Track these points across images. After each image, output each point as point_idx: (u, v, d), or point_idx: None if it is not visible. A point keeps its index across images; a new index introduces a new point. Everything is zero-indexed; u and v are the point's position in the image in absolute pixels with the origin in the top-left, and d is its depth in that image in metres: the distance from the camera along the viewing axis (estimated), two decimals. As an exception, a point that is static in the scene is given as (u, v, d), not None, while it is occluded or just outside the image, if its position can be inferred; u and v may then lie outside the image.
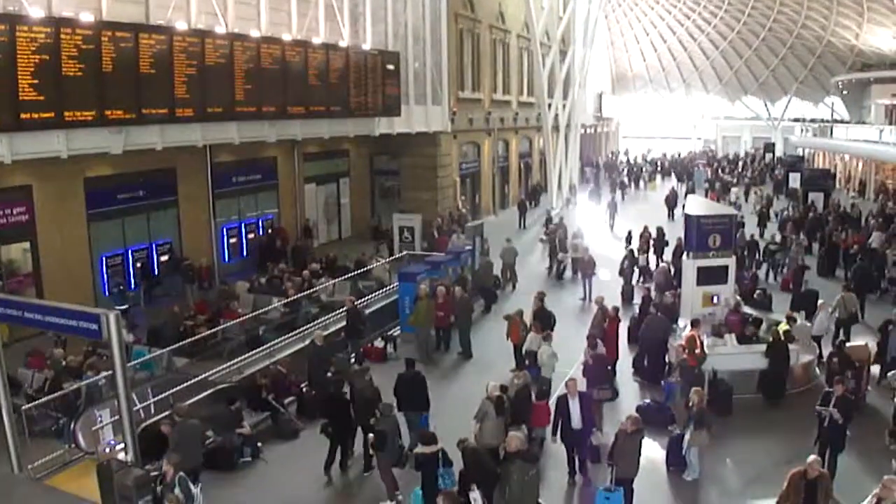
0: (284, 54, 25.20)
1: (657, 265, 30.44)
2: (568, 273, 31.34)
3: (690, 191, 50.43)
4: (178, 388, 16.28)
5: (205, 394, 16.50)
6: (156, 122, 21.21)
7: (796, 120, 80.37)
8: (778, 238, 33.45)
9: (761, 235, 37.66)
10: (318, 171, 36.52)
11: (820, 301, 22.41)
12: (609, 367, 17.81)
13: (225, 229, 30.24)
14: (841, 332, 21.61)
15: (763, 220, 40.49)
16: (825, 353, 20.39)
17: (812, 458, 11.41)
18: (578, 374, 16.92)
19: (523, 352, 19.61)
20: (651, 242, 32.91)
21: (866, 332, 21.98)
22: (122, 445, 12.88)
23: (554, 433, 14.81)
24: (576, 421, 14.39)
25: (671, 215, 42.91)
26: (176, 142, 22.74)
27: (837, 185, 59.57)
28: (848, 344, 18.75)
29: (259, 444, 15.97)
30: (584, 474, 14.83)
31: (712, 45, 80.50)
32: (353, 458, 15.80)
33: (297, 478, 15.06)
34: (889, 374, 16.99)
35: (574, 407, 14.37)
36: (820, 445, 13.92)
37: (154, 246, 26.79)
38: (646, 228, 33.51)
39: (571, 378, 14.66)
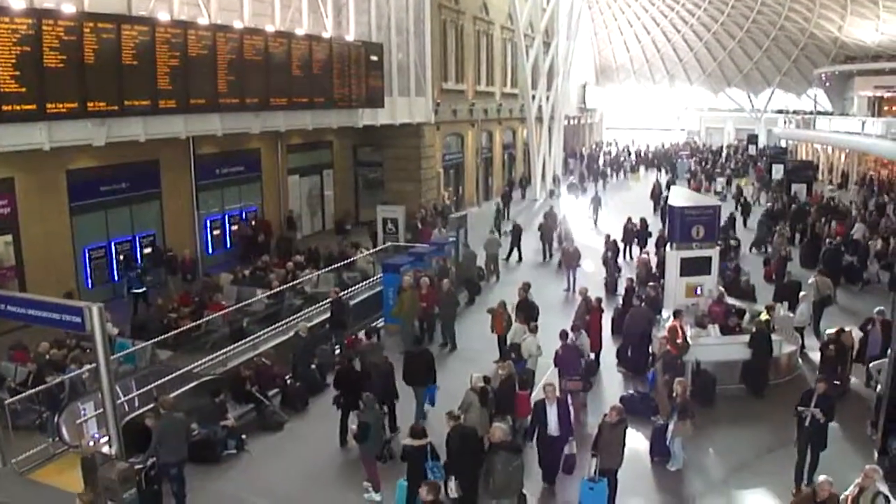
0: (267, 46, 25.11)
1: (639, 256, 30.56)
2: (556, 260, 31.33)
3: (672, 182, 50.44)
4: (162, 380, 16.20)
5: (189, 386, 16.40)
6: (138, 114, 21.10)
7: (779, 112, 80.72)
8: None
9: (745, 225, 37.97)
10: (302, 162, 36.53)
11: (802, 293, 22.56)
12: (582, 358, 17.76)
13: (208, 221, 30.20)
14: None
15: (747, 210, 40.77)
16: (807, 343, 20.63)
17: (822, 478, 11.38)
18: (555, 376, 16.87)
19: (508, 344, 19.61)
20: (635, 234, 33.06)
21: (843, 318, 22.06)
22: (106, 439, 12.89)
23: (529, 438, 14.53)
24: (552, 427, 13.90)
25: (657, 209, 42.93)
26: (159, 134, 22.60)
27: (820, 177, 59.86)
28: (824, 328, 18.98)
29: (243, 437, 15.92)
30: (552, 483, 14.41)
31: (696, 36, 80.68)
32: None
33: (282, 470, 15.06)
34: (871, 364, 17.10)
35: (552, 413, 13.88)
36: (800, 444, 13.96)
37: (137, 238, 26.72)
38: (629, 220, 33.61)
39: (549, 383, 14.31)
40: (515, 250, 33.03)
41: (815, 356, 20.26)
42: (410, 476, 12.45)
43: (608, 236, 30.58)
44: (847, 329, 19.35)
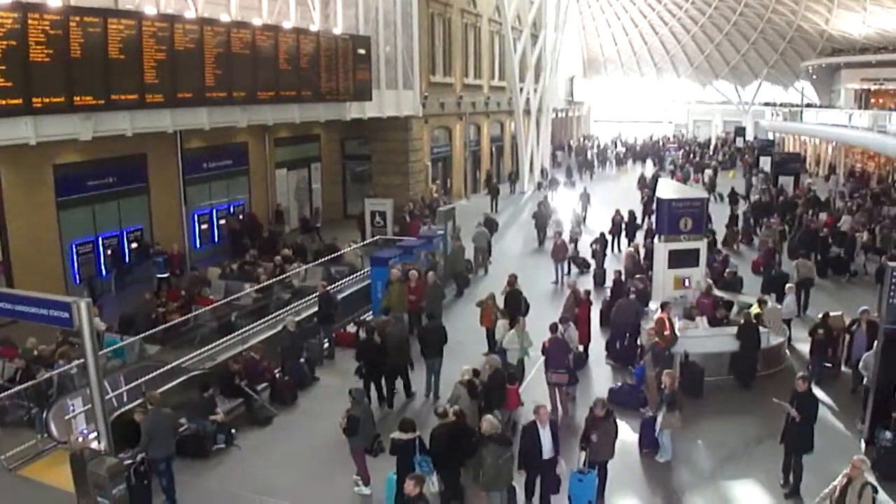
0: (255, 39, 25.04)
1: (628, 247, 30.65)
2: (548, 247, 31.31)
3: (657, 175, 50.38)
4: (151, 375, 16.24)
5: (177, 381, 16.43)
6: (125, 108, 21.02)
7: (767, 104, 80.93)
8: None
9: (732, 214, 38.12)
10: (289, 156, 36.54)
11: (788, 285, 22.66)
12: (569, 351, 17.79)
13: (196, 215, 30.13)
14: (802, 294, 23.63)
15: (734, 199, 40.93)
16: (795, 334, 20.73)
17: None
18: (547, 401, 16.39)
19: (497, 340, 19.62)
20: (623, 226, 33.15)
21: (830, 308, 22.14)
22: (94, 434, 12.84)
23: (520, 466, 13.12)
24: (547, 450, 13.00)
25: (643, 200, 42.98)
26: (146, 128, 22.56)
27: (808, 169, 60.07)
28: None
29: (232, 431, 15.90)
30: None
31: (684, 29, 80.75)
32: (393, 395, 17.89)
33: (272, 464, 15.05)
34: (864, 356, 17.17)
35: (545, 436, 12.99)
36: (785, 445, 14.00)
37: (125, 233, 26.68)
38: (617, 212, 33.69)
39: (542, 405, 13.43)
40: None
41: (802, 347, 20.41)
42: (400, 470, 12.46)
43: (602, 234, 30.75)
44: (833, 313, 19.88)
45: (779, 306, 21.47)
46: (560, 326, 17.59)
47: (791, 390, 14.19)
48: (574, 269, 28.75)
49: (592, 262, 28.62)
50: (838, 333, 19.41)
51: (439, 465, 12.70)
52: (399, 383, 18.14)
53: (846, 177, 56.18)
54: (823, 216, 35.68)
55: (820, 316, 19.93)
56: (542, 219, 35.35)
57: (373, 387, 17.48)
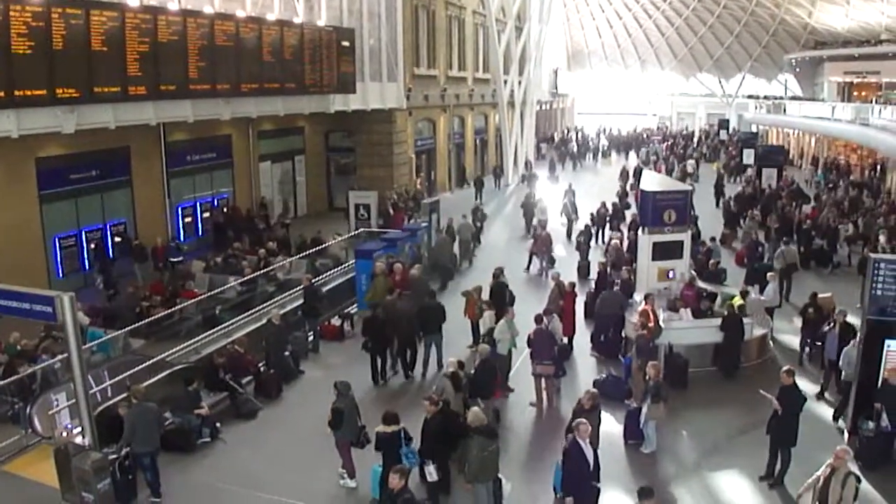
0: (238, 31, 24.93)
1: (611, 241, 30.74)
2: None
3: (640, 168, 50.33)
4: (135, 369, 16.18)
5: (162, 375, 16.38)
6: (108, 101, 20.90)
7: (750, 97, 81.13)
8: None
9: (717, 206, 38.36)
10: (273, 148, 36.45)
11: (770, 273, 22.80)
12: (554, 343, 17.83)
13: (180, 209, 30.00)
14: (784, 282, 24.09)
15: (719, 191, 41.21)
16: (778, 324, 20.87)
17: None
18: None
19: (481, 331, 19.66)
20: (607, 218, 33.27)
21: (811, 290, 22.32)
22: (79, 429, 12.81)
23: (565, 493, 12.28)
24: (593, 467, 12.14)
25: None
26: (129, 120, 22.44)
27: (794, 162, 60.32)
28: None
29: (217, 425, 15.88)
30: None
31: (667, 21, 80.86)
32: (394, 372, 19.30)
33: (257, 457, 15.04)
34: (845, 349, 17.26)
35: (589, 453, 12.09)
36: (770, 437, 14.07)
37: (108, 226, 26.52)
38: (602, 204, 33.80)
39: (582, 421, 12.32)
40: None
41: (784, 338, 20.55)
42: (386, 463, 12.47)
43: (587, 226, 30.91)
44: (827, 294, 21.12)
45: (762, 297, 21.57)
46: (544, 318, 17.64)
47: (776, 383, 14.28)
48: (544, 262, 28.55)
49: (577, 255, 28.60)
50: (828, 313, 19.74)
51: (432, 454, 12.71)
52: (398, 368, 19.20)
53: (825, 168, 56.43)
54: (807, 208, 35.84)
55: (807, 302, 20.61)
56: (529, 208, 35.66)
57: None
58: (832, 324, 17.96)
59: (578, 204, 35.76)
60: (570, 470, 12.10)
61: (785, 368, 14.48)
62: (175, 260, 26.26)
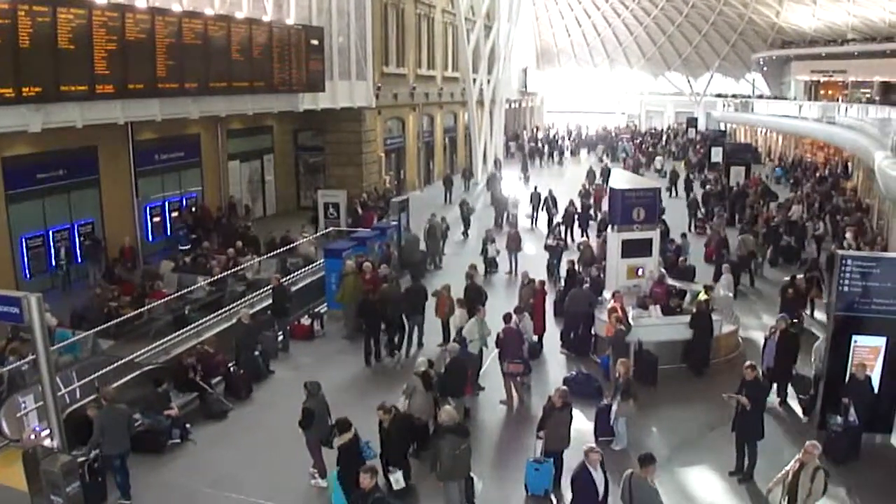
0: (207, 29, 24.83)
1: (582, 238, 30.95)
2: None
3: (608, 168, 50.45)
4: (104, 370, 16.05)
5: (131, 376, 16.28)
6: (75, 100, 20.70)
7: (718, 95, 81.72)
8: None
9: (687, 200, 38.70)
10: (242, 147, 36.28)
11: (724, 265, 23.23)
12: (523, 341, 17.89)
13: (148, 208, 29.77)
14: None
15: (689, 186, 41.61)
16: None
17: None
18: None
19: (452, 330, 19.71)
20: (576, 216, 33.40)
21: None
22: (47, 432, 12.69)
23: None
24: (602, 496, 11.65)
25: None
26: (96, 119, 22.24)
27: (762, 160, 60.79)
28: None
29: (187, 426, 15.81)
30: None
31: (636, 20, 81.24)
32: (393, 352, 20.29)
33: (227, 458, 14.99)
34: (815, 344, 17.42)
35: (599, 480, 11.58)
36: (736, 433, 14.19)
37: (76, 226, 26.24)
38: (571, 202, 33.95)
39: (592, 447, 12.06)
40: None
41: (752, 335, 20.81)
42: (347, 468, 12.44)
43: (557, 224, 31.12)
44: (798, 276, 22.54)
45: (730, 294, 21.76)
46: (514, 316, 17.72)
47: (740, 378, 14.44)
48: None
49: (547, 254, 28.68)
50: (805, 292, 21.74)
51: (393, 459, 12.71)
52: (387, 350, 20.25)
53: (784, 165, 57.10)
54: (774, 206, 36.17)
55: (787, 278, 22.29)
56: (500, 204, 36.29)
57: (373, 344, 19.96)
58: (773, 330, 17.86)
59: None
60: (579, 498, 11.66)
61: (747, 364, 14.64)
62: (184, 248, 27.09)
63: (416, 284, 21.68)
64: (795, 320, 20.36)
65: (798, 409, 16.94)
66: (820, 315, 22.92)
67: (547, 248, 28.26)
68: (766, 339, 18.03)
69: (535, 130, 79.79)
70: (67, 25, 19.63)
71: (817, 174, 50.91)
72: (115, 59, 21.14)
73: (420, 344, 20.71)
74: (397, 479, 12.40)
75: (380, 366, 19.87)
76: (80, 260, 25.93)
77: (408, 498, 13.24)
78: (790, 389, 17.30)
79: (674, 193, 44.04)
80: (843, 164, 51.86)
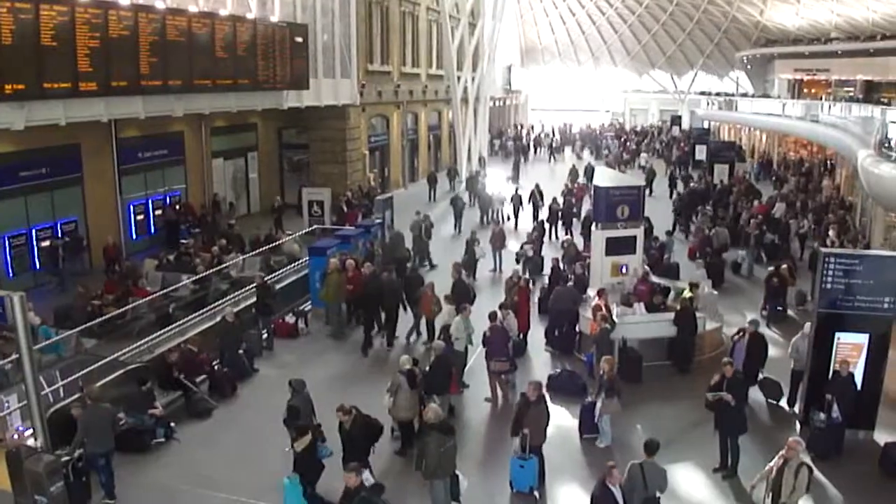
0: (190, 26, 24.79)
1: (565, 236, 30.98)
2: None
3: (591, 166, 50.48)
4: (88, 369, 15.98)
5: (115, 375, 16.21)
6: (58, 97, 20.65)
7: (702, 93, 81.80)
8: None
9: (671, 197, 38.80)
10: (226, 145, 36.13)
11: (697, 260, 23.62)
12: (509, 339, 17.92)
13: (131, 206, 29.63)
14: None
15: (673, 183, 41.75)
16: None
17: None
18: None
19: (437, 328, 19.70)
20: (559, 214, 33.45)
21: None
22: (31, 431, 12.66)
23: None
24: None
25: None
26: (79, 117, 22.18)
27: (748, 158, 61.06)
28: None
29: (172, 425, 15.78)
30: None
31: (620, 19, 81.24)
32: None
33: (212, 456, 14.97)
34: (793, 340, 17.50)
35: (618, 496, 11.41)
36: (720, 430, 14.25)
37: (59, 225, 26.08)
38: (554, 200, 34.00)
39: (612, 463, 11.92)
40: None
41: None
42: (306, 472, 12.44)
43: (541, 222, 31.16)
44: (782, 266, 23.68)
45: (715, 292, 21.83)
46: (499, 314, 17.73)
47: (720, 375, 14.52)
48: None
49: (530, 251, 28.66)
50: (788, 283, 23.18)
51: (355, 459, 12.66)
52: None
53: (760, 163, 57.49)
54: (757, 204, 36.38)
55: (770, 269, 23.56)
56: (485, 202, 36.63)
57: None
58: (741, 333, 17.78)
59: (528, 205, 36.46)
60: None
61: (725, 360, 14.75)
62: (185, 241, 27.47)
63: (413, 274, 22.98)
64: (779, 308, 22.74)
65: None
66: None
67: (518, 257, 27.97)
68: (734, 343, 17.91)
69: (519, 128, 79.79)
70: (50, 22, 19.58)
71: (802, 169, 51.35)
72: (98, 56, 21.09)
73: (418, 332, 21.34)
74: (367, 478, 12.30)
75: (364, 362, 19.88)
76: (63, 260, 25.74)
77: (392, 495, 13.22)
78: (760, 394, 17.40)
79: (650, 192, 44.10)
80: (825, 161, 52.03)
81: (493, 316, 17.64)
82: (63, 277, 24.85)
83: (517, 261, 27.31)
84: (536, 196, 36.53)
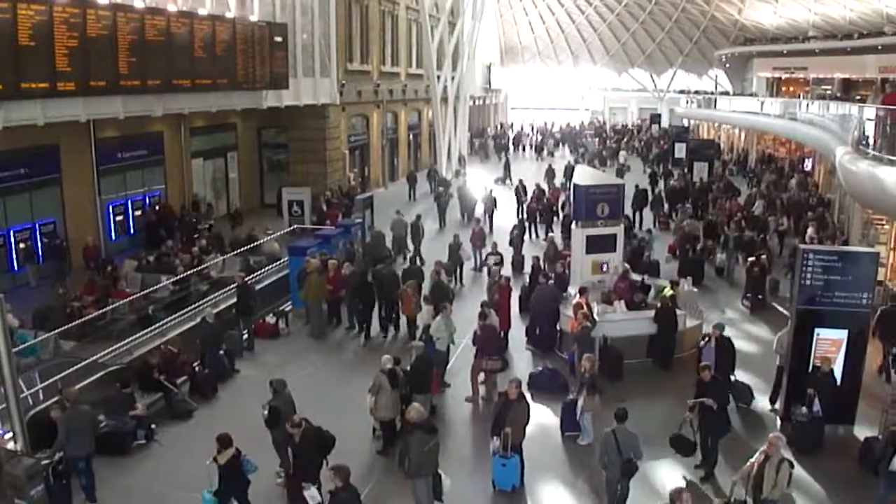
0: (169, 26, 24.70)
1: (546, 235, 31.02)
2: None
3: (571, 165, 50.38)
4: (67, 372, 15.92)
5: (95, 377, 16.18)
6: (36, 97, 20.55)
7: (681, 92, 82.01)
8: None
9: (653, 193, 39.01)
10: (206, 145, 35.98)
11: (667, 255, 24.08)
12: (500, 338, 17.96)
13: (111, 207, 29.47)
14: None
15: (654, 181, 41.92)
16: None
17: None
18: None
19: (420, 327, 19.70)
20: (539, 213, 33.54)
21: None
22: (10, 434, 12.59)
23: None
24: None
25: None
26: (58, 117, 22.06)
27: (726, 156, 61.33)
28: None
29: (153, 426, 15.72)
30: None
31: (600, 18, 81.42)
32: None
33: (193, 458, 14.82)
34: (777, 335, 17.58)
35: None
36: (703, 431, 14.30)
37: (38, 226, 25.90)
38: (534, 197, 34.22)
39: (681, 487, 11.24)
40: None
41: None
42: (232, 486, 12.46)
43: (521, 220, 31.26)
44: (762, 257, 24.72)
45: (695, 290, 21.92)
46: (487, 312, 17.80)
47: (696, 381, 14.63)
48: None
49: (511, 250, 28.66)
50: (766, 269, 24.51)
51: (308, 477, 12.56)
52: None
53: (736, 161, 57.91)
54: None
55: (752, 259, 24.57)
56: (467, 200, 36.77)
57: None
58: (706, 338, 17.67)
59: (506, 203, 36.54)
60: None
61: (703, 364, 14.83)
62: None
63: (414, 267, 24.41)
64: (759, 297, 24.16)
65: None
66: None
67: (511, 242, 28.31)
68: (700, 348, 17.81)
69: (499, 127, 79.92)
70: (28, 22, 19.46)
71: (775, 165, 51.87)
72: (76, 55, 21.00)
73: (396, 327, 21.85)
74: (312, 496, 12.13)
75: (347, 361, 19.93)
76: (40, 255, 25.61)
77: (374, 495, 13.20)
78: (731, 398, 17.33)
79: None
80: (802, 159, 52.31)
81: (482, 315, 17.69)
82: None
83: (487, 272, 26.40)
84: (520, 191, 36.95)
